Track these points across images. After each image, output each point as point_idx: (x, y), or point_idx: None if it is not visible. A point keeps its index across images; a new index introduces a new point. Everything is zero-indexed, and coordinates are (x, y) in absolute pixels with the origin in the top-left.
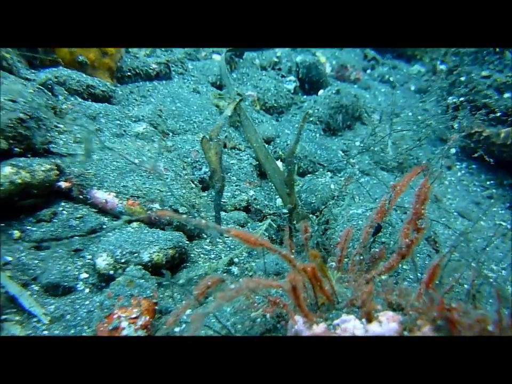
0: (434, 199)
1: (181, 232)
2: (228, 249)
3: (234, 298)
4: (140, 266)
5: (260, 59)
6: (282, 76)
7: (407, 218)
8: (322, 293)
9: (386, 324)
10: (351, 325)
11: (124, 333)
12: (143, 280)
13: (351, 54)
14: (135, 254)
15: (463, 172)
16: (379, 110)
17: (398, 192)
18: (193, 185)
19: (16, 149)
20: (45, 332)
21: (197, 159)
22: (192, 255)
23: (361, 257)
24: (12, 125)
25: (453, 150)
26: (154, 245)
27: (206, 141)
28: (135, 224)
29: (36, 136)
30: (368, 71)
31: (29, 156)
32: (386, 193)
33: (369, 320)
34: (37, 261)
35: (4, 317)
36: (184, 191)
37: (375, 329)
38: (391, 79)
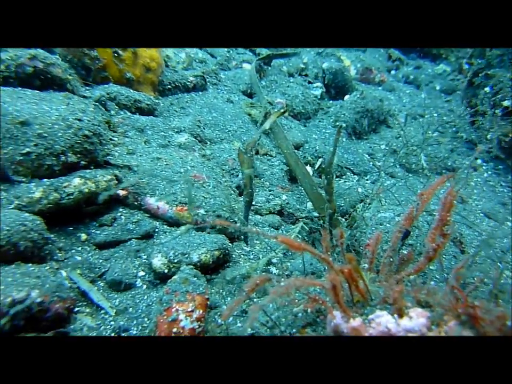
0: (460, 200)
1: (223, 235)
2: (265, 250)
3: (284, 293)
4: (192, 266)
5: (287, 66)
6: (309, 82)
7: (434, 224)
8: (357, 292)
9: (416, 319)
10: (384, 320)
11: (182, 324)
12: (195, 278)
13: (375, 55)
14: (186, 255)
15: (489, 172)
16: (404, 112)
17: (425, 199)
18: (232, 191)
19: (82, 162)
20: (112, 323)
21: (234, 167)
22: (233, 256)
23: (391, 260)
24: (79, 141)
25: (479, 161)
26: (202, 247)
27: (242, 153)
28: (183, 228)
29: (97, 150)
30: (393, 71)
31: (92, 167)
32: (414, 201)
33: (401, 316)
34: (102, 260)
35: (76, 309)
36: (224, 197)
37: (405, 323)
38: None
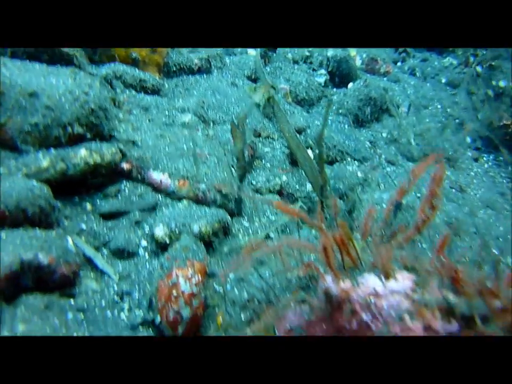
0: (459, 189)
1: (224, 210)
2: (263, 226)
3: (276, 250)
4: (192, 236)
5: (292, 53)
6: (314, 70)
7: (424, 197)
8: (348, 257)
9: (401, 281)
10: (371, 282)
11: (181, 288)
12: (195, 246)
13: None
14: (187, 226)
15: (490, 163)
16: (407, 102)
17: (417, 175)
18: (233, 170)
19: (88, 135)
20: (115, 287)
21: None
22: (233, 230)
23: (383, 232)
24: (86, 114)
25: (468, 139)
26: (203, 219)
27: (235, 127)
28: (185, 202)
29: (103, 124)
30: (399, 63)
31: (97, 141)
32: (407, 177)
33: (387, 278)
34: (106, 230)
35: (82, 273)
36: (225, 174)
37: (391, 285)
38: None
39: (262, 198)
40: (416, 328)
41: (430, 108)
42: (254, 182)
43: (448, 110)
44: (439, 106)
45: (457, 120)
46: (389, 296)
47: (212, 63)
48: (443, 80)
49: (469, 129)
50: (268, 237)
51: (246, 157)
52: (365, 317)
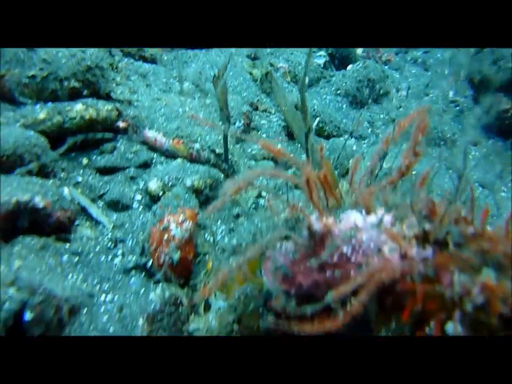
0: (456, 171)
1: (217, 169)
2: (256, 187)
3: (259, 175)
4: (184, 187)
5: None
6: (313, 51)
7: (408, 144)
8: (331, 196)
9: (381, 216)
10: (353, 217)
11: (172, 233)
12: (187, 195)
13: None
14: (180, 180)
15: (489, 148)
16: (406, 87)
17: (402, 126)
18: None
19: (84, 91)
20: (110, 235)
21: (232, 115)
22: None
23: (369, 181)
24: (82, 71)
25: (450, 93)
26: (196, 174)
27: (216, 79)
28: (179, 160)
29: (100, 83)
30: (401, 54)
31: (94, 98)
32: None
33: (368, 214)
34: (101, 183)
35: (77, 222)
36: (220, 137)
37: (371, 219)
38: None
39: (249, 137)
40: (393, 258)
41: (430, 96)
42: (249, 150)
43: (449, 97)
44: (440, 95)
45: (457, 108)
46: (368, 229)
47: None
48: (446, 72)
49: (451, 80)
50: (259, 196)
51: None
52: (346, 249)
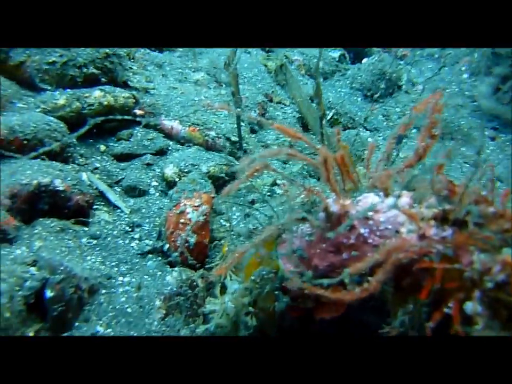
0: (474, 165)
1: (232, 157)
2: (271, 174)
3: (276, 154)
4: (200, 173)
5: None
6: None
7: (424, 126)
8: (349, 178)
9: (400, 198)
10: (370, 199)
11: (188, 216)
12: (203, 180)
13: None
14: (196, 166)
15: (507, 143)
16: (422, 81)
17: (418, 111)
18: (243, 124)
19: (102, 78)
20: (127, 219)
21: (246, 105)
22: (240, 177)
23: (385, 165)
24: (100, 57)
25: (465, 75)
26: (211, 161)
27: (227, 65)
28: (195, 147)
29: (117, 70)
30: (418, 51)
31: (112, 85)
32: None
33: (386, 196)
34: (119, 170)
35: (95, 206)
36: (235, 126)
37: (389, 201)
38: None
39: (262, 120)
40: (411, 239)
41: (447, 91)
42: (263, 140)
43: (466, 92)
44: (456, 89)
45: (475, 102)
46: (386, 210)
47: None
48: (463, 68)
49: (467, 60)
50: (274, 183)
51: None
52: (363, 230)
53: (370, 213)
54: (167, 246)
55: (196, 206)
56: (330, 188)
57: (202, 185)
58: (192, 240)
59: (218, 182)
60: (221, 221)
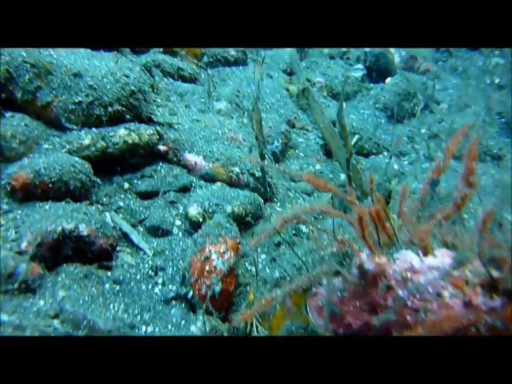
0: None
1: (256, 193)
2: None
3: (308, 211)
4: (225, 215)
5: (329, 49)
6: (350, 64)
7: (461, 174)
8: (384, 232)
9: (441, 257)
10: (409, 257)
11: (214, 263)
12: (228, 224)
13: None
14: (220, 206)
15: None
16: (448, 100)
17: (450, 151)
18: (266, 157)
19: (127, 115)
20: (150, 262)
21: (270, 134)
22: (265, 214)
23: (420, 211)
24: (126, 95)
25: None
26: (236, 200)
27: (252, 112)
28: (218, 184)
29: (142, 106)
30: (440, 62)
31: (136, 122)
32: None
33: (425, 254)
34: (142, 208)
35: (119, 248)
36: (259, 159)
37: (430, 261)
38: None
39: (290, 171)
40: (455, 305)
41: (473, 107)
42: (287, 171)
43: (493, 109)
44: (482, 105)
45: (503, 119)
46: (427, 272)
47: (248, 55)
48: (488, 81)
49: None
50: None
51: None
52: (401, 293)
53: (409, 274)
54: (191, 293)
55: (221, 253)
56: (365, 244)
57: (227, 230)
58: (217, 288)
59: (243, 222)
60: (246, 264)
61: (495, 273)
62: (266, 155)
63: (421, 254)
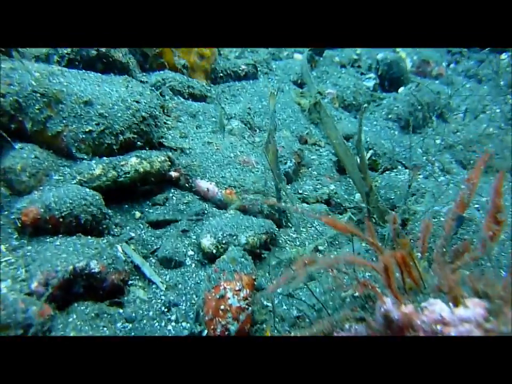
0: None
1: (271, 220)
2: (311, 237)
3: (332, 264)
4: (240, 247)
5: (339, 57)
6: (362, 73)
7: (488, 211)
8: (410, 278)
9: (472, 309)
10: (438, 307)
11: (229, 302)
12: (243, 259)
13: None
14: (234, 237)
15: None
16: (463, 107)
17: (474, 183)
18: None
19: (138, 142)
20: (163, 297)
21: (282, 154)
22: (280, 241)
23: (445, 249)
24: (137, 122)
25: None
26: (250, 230)
27: (267, 145)
28: (232, 211)
29: (153, 132)
30: (452, 65)
31: (147, 148)
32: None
33: (456, 305)
34: (154, 238)
35: (130, 282)
36: (273, 183)
37: (461, 312)
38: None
39: (309, 210)
40: None
41: (488, 113)
42: (300, 191)
43: (509, 114)
44: (498, 111)
45: None
46: (457, 324)
47: (258, 69)
48: (502, 83)
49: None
50: (316, 249)
51: (285, 168)
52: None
53: (439, 327)
54: (205, 332)
55: (236, 290)
56: (391, 293)
57: (243, 266)
58: (233, 328)
59: (259, 252)
60: (262, 299)
61: None
62: (281, 182)
63: (451, 304)
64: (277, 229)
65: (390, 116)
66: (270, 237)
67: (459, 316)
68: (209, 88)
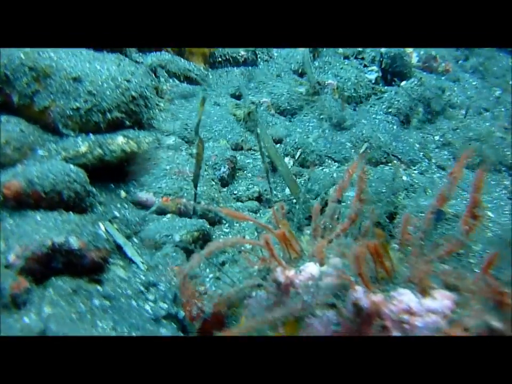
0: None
1: (204, 220)
2: (243, 230)
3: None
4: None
5: (343, 48)
6: (365, 66)
7: (467, 206)
8: (382, 268)
9: (440, 300)
10: (406, 298)
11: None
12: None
13: None
14: (169, 236)
15: None
16: (466, 104)
17: (456, 177)
18: (213, 183)
19: (127, 122)
20: (143, 277)
21: (216, 162)
22: (214, 237)
23: (423, 242)
24: (126, 102)
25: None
26: (183, 229)
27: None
28: (169, 215)
29: (142, 112)
30: (460, 62)
31: (136, 128)
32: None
33: (424, 296)
34: (138, 219)
35: (111, 259)
36: (205, 187)
37: (429, 303)
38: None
39: (212, 207)
40: None
41: (493, 111)
42: (235, 192)
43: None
44: (503, 110)
45: None
46: (424, 314)
47: (258, 55)
48: (510, 82)
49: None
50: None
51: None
52: (396, 334)
53: (406, 316)
54: (182, 313)
55: None
56: (361, 281)
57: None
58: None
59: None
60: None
61: (495, 323)
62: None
63: (419, 295)
64: (209, 226)
65: (390, 110)
66: (201, 233)
67: (426, 307)
68: (206, 72)
